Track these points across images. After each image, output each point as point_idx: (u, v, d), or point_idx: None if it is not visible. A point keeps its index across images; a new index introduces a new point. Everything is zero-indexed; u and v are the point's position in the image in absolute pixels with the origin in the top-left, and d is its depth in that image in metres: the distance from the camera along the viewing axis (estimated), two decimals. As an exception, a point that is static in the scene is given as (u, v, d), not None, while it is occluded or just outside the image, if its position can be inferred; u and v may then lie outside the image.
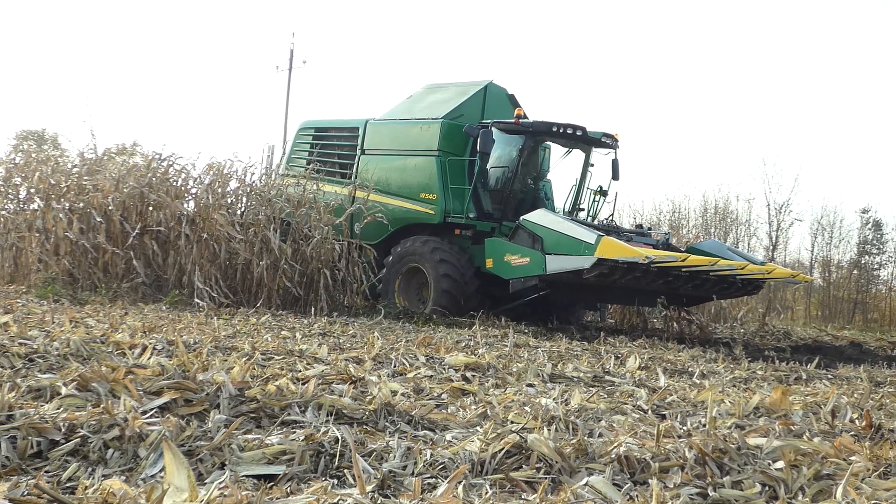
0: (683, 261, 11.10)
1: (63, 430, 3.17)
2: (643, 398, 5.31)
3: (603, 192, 14.42)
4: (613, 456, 3.34)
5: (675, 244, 14.04)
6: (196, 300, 11.88)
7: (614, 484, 3.06)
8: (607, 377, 6.41)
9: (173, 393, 3.99)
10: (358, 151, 15.07)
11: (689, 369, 7.63)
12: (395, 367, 6.11)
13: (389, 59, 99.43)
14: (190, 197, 13.83)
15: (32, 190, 14.79)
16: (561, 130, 13.18)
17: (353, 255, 13.69)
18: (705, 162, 62.68)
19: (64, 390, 3.88)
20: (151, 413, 3.64)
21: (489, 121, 13.60)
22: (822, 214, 30.60)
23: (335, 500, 2.67)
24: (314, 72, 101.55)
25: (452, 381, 5.55)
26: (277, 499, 2.66)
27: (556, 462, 3.25)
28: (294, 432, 3.50)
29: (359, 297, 13.69)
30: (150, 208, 13.47)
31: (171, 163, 14.58)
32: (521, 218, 12.06)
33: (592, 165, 14.38)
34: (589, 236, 10.94)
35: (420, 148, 14.08)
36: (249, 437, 3.38)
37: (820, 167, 55.66)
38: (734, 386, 6.62)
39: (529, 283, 11.91)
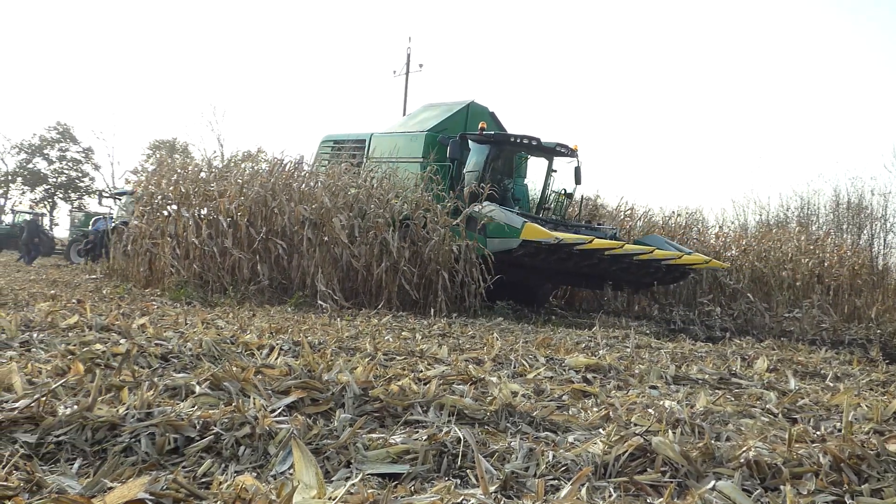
0: (590, 243, 12.92)
1: (197, 427, 3.30)
2: (773, 401, 5.12)
3: (568, 195, 16.71)
4: (742, 461, 3.24)
5: (621, 237, 15.96)
6: (319, 302, 12.17)
7: (743, 489, 2.97)
8: (734, 379, 6.22)
9: (300, 392, 4.10)
10: (365, 160, 16.99)
11: (822, 371, 7.32)
12: (514, 367, 6.11)
13: (504, 61, 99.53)
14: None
15: (165, 197, 15.50)
16: (517, 141, 15.41)
17: (470, 256, 13.74)
18: (834, 154, 60.04)
19: (198, 389, 4.05)
20: (280, 411, 3.75)
21: (459, 133, 15.61)
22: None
23: (459, 500, 2.68)
24: (430, 75, 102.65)
25: (573, 382, 5.50)
26: (402, 497, 2.70)
27: (682, 466, 3.17)
28: (417, 432, 3.55)
29: (477, 298, 13.73)
30: (275, 213, 13.89)
31: (294, 167, 15.01)
32: (470, 209, 13.90)
33: (555, 171, 16.65)
34: (516, 222, 13.10)
35: (410, 156, 16.13)
36: (374, 436, 3.44)
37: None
38: (871, 389, 6.32)
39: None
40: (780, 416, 4.65)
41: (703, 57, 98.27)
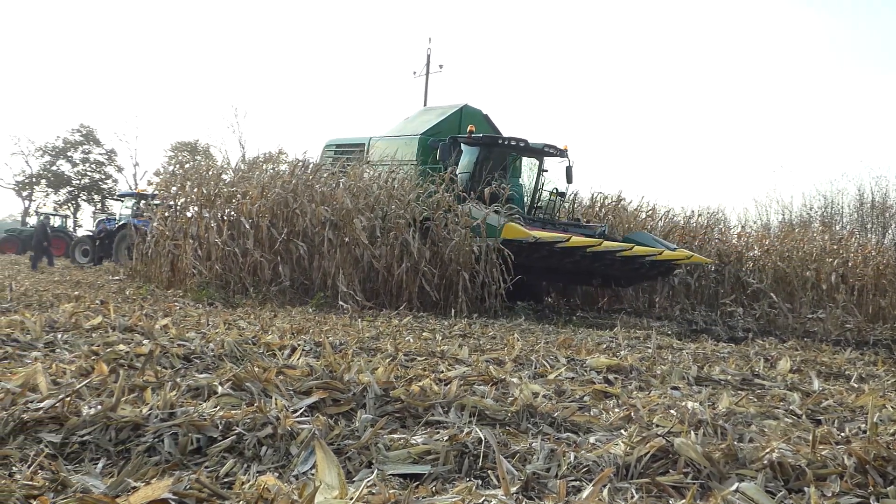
0: (567, 241, 13.26)
1: (220, 427, 3.32)
2: (796, 402, 5.08)
3: (560, 194, 17.20)
4: (766, 462, 3.21)
5: (612, 235, 16.27)
6: (340, 303, 12.21)
7: (767, 491, 2.94)
8: (757, 380, 6.18)
9: (322, 393, 4.11)
10: (365, 163, 17.27)
11: (846, 372, 7.25)
12: (535, 368, 6.10)
13: (523, 61, 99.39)
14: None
15: (188, 199, 15.60)
16: (505, 142, 15.96)
17: (491, 257, 13.72)
18: (858, 153, 59.47)
19: (220, 389, 4.08)
20: (301, 412, 3.77)
21: (450, 136, 16.17)
22: None
23: (480, 501, 2.68)
24: (450, 76, 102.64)
25: (594, 383, 5.49)
26: (424, 498, 2.70)
27: (705, 467, 3.15)
28: (438, 432, 3.55)
29: (497, 299, 13.73)
30: (296, 214, 13.94)
31: (316, 168, 15.08)
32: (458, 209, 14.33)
33: (546, 171, 17.29)
34: (497, 222, 13.64)
35: (405, 158, 16.54)
36: (395, 436, 3.44)
37: None
38: (896, 391, 6.25)
39: None
40: (803, 417, 4.61)
41: (727, 56, 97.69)
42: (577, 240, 13.57)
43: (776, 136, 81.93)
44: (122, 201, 31.85)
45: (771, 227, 29.29)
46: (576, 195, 19.13)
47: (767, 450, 3.31)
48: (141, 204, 29.21)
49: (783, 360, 7.46)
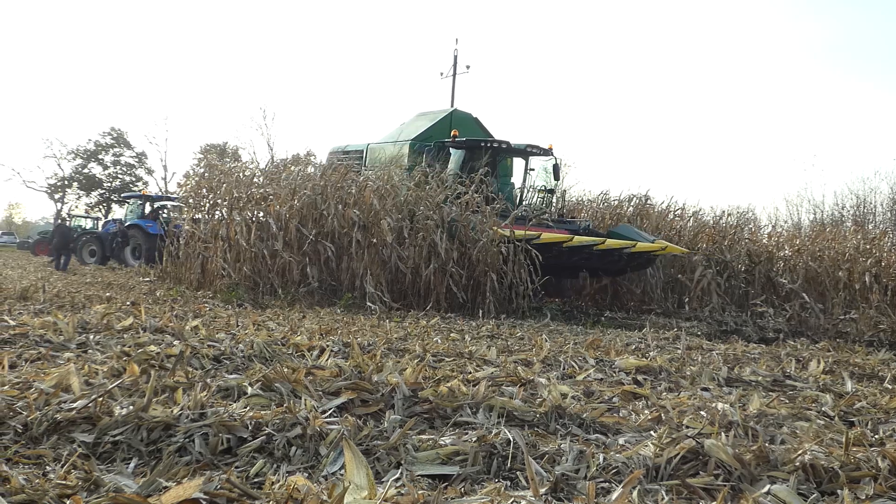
0: (538, 238, 13.70)
1: (250, 427, 3.35)
2: (828, 404, 5.02)
3: (549, 191, 17.72)
4: (798, 464, 3.18)
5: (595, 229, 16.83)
6: (368, 303, 12.24)
7: (799, 493, 2.91)
8: (788, 381, 6.11)
9: (350, 393, 4.13)
10: (363, 168, 17.92)
11: (879, 374, 7.15)
12: (564, 369, 6.07)
13: (550, 60, 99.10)
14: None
15: (220, 200, 15.73)
16: (488, 144, 16.62)
17: (519, 258, 13.69)
18: (891, 151, 58.64)
19: (250, 390, 4.10)
20: (330, 412, 3.78)
21: (435, 141, 16.94)
22: None
23: (509, 502, 2.68)
24: (477, 77, 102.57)
25: (623, 384, 5.46)
26: (452, 499, 2.70)
27: (736, 469, 3.13)
28: (466, 433, 3.55)
29: (525, 299, 13.70)
30: (325, 215, 13.99)
31: (345, 170, 15.16)
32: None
33: (533, 170, 17.74)
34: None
35: (399, 163, 17.01)
36: (423, 437, 3.45)
37: None
38: (931, 392, 6.15)
39: None
40: (836, 419, 4.56)
41: (759, 53, 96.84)
42: (548, 236, 14.12)
43: (807, 134, 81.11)
44: (128, 203, 32.52)
45: (802, 227, 28.96)
46: (565, 192, 19.74)
47: (800, 452, 3.27)
48: (146, 206, 30.07)
49: (815, 361, 7.37)
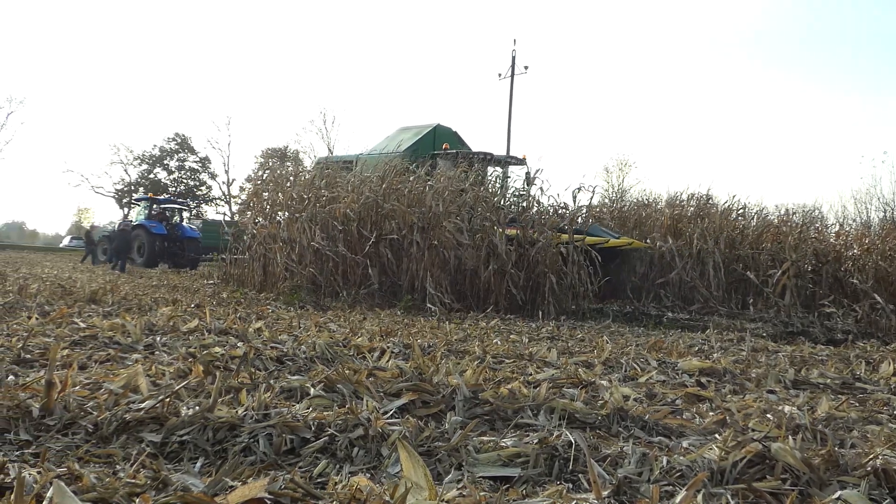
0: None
1: (313, 428, 3.38)
2: (901, 407, 4.88)
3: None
4: (869, 469, 3.09)
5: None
6: (428, 305, 12.29)
7: (871, 499, 2.83)
8: (858, 384, 5.96)
9: (411, 395, 4.15)
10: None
11: (955, 376, 6.92)
12: (625, 371, 6.01)
13: (608, 59, 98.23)
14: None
15: (279, 204, 15.95)
16: (472, 156, 18.70)
17: (578, 259, 13.60)
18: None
19: (312, 391, 4.15)
20: (392, 413, 3.80)
21: (429, 153, 18.54)
22: None
23: (571, 505, 2.66)
24: (536, 78, 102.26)
25: (687, 386, 5.38)
26: (514, 501, 2.69)
27: (804, 473, 3.05)
28: (528, 435, 3.53)
29: (585, 301, 13.61)
30: (385, 217, 14.10)
31: (404, 172, 15.31)
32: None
33: (509, 178, 19.58)
34: None
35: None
36: (484, 438, 3.44)
37: None
38: None
39: None
40: (909, 422, 4.43)
41: (826, 48, 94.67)
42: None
43: (877, 130, 78.97)
44: (139, 205, 33.44)
45: (872, 225, 28.22)
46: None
47: (871, 456, 3.18)
48: (153, 207, 30.98)
49: (886, 363, 7.17)
